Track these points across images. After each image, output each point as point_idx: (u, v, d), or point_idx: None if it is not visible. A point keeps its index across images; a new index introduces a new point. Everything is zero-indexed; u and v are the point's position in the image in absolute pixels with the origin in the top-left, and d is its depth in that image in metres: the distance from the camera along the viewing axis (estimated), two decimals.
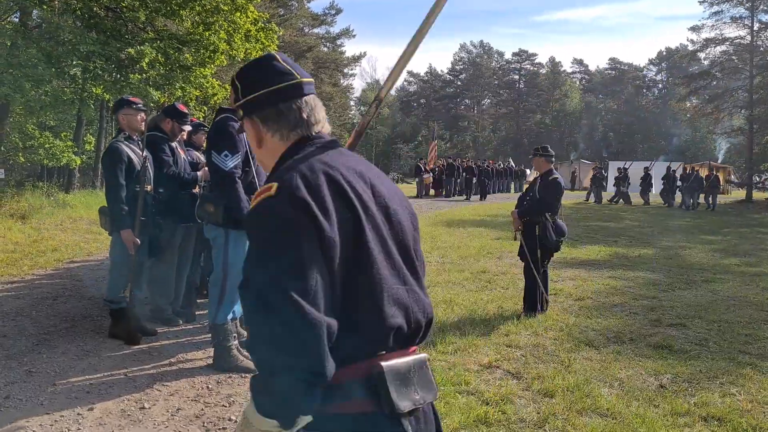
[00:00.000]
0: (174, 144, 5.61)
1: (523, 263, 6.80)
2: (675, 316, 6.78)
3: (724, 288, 8.42)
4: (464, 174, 27.31)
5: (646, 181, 25.70)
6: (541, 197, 6.66)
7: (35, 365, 4.39)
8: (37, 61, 12.54)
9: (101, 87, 13.08)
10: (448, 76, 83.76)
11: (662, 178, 25.41)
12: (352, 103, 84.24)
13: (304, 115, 1.68)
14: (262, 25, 15.28)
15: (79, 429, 3.45)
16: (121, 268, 5.00)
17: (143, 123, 5.12)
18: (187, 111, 5.76)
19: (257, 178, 4.41)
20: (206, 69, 15.08)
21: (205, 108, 17.08)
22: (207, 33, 13.85)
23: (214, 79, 15.92)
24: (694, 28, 32.98)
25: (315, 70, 47.61)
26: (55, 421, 3.53)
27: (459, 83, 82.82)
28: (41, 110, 12.80)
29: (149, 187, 5.08)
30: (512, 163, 40.64)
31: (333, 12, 52.37)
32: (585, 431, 3.82)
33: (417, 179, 27.17)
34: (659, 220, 19.43)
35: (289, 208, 1.43)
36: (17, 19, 14.41)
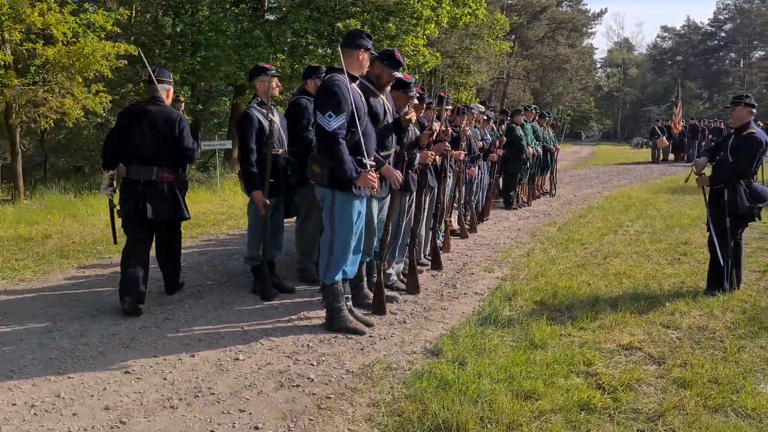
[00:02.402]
0: None
1: (708, 234, 5.84)
2: None
3: None
4: (710, 136, 24.25)
5: None
6: (734, 160, 5.60)
7: (174, 313, 4.85)
8: (260, 41, 13.76)
9: (316, 61, 13.94)
10: (709, 28, 74.77)
11: None
12: (598, 65, 79.65)
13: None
14: None
15: (171, 372, 3.73)
16: (256, 227, 5.30)
17: (277, 89, 5.31)
18: (321, 67, 5.82)
19: (364, 139, 4.32)
20: (419, 39, 15.27)
21: (417, 76, 17.33)
22: (412, 1, 13.97)
23: (426, 49, 16.04)
24: None
25: (551, 32, 45.77)
26: (157, 363, 3.86)
27: (723, 35, 73.50)
28: None
29: (282, 151, 5.27)
30: None
31: None
32: None
33: (650, 142, 24.75)
34: None
35: None
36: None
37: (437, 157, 6.28)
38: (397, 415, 3.27)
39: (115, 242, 5.36)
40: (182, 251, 5.46)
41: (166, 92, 5.04)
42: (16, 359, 3.87)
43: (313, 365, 3.91)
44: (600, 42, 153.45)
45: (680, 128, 25.06)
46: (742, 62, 72.96)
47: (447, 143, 6.20)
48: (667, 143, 24.62)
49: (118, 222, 5.04)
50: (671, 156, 25.53)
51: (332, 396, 3.48)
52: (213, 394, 3.46)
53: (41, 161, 15.20)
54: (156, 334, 4.37)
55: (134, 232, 4.87)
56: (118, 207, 4.96)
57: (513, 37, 41.13)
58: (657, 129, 25.10)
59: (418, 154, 5.31)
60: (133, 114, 4.90)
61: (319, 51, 14.08)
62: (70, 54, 9.72)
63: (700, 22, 75.99)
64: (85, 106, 10.37)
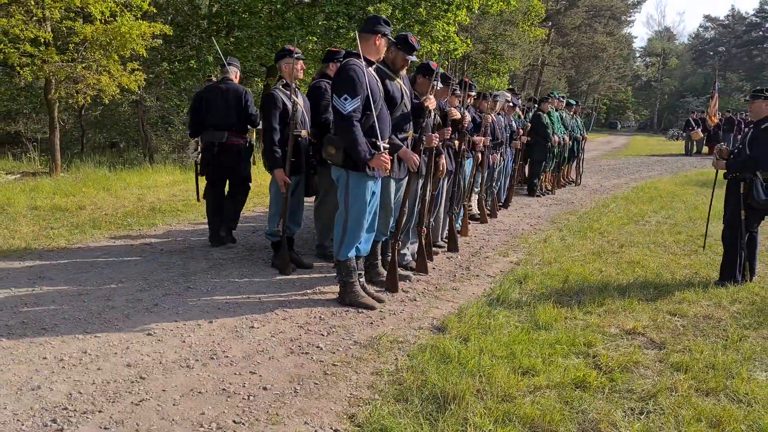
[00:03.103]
0: None
1: (722, 225, 5.90)
2: None
3: None
4: (746, 129, 23.76)
5: None
6: (752, 153, 5.66)
7: (196, 283, 5.11)
8: (293, 23, 13.95)
9: (345, 44, 14.10)
10: (754, 19, 72.78)
11: None
12: (637, 54, 78.27)
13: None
14: None
15: (190, 336, 3.98)
16: (276, 204, 5.51)
17: (302, 71, 5.50)
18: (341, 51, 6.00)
19: (379, 122, 4.49)
20: (449, 25, 15.31)
21: (446, 62, 17.37)
22: None
23: (456, 35, 16.08)
24: None
25: (588, 20, 45.14)
26: (177, 327, 4.11)
27: None
28: None
29: (304, 132, 5.47)
30: None
31: None
32: (693, 413, 3.29)
33: (684, 134, 24.39)
34: None
35: None
36: None
37: (457, 141, 6.43)
38: (398, 384, 3.46)
39: (198, 200, 6.92)
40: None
41: (235, 74, 6.35)
42: (48, 318, 4.16)
43: (323, 335, 4.12)
44: (640, 31, 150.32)
45: (716, 121, 24.61)
46: None
47: (448, 130, 6.27)
48: (702, 135, 24.25)
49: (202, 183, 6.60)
50: (705, 149, 25.15)
51: (338, 364, 3.68)
52: (227, 357, 3.70)
53: (78, 136, 15.68)
54: (178, 301, 4.63)
55: (214, 184, 6.34)
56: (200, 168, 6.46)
57: (549, 23, 40.67)
58: (692, 121, 24.73)
59: (424, 137, 5.41)
60: (209, 91, 6.18)
61: (351, 34, 14.20)
62: (107, 32, 10.04)
63: (745, 12, 74.14)
64: (121, 83, 10.70)
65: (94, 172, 10.72)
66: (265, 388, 3.32)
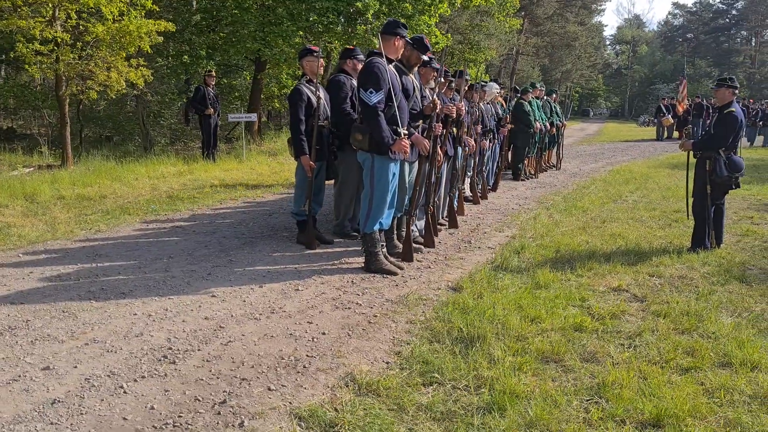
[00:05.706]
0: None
1: (692, 199, 6.70)
2: None
3: None
4: (713, 114, 24.86)
5: None
6: (715, 132, 6.47)
7: (236, 257, 5.78)
8: (283, 19, 14.51)
9: (334, 38, 14.71)
10: (720, 6, 74.61)
11: None
12: (608, 42, 79.79)
13: None
14: None
15: (248, 297, 4.66)
16: (302, 187, 6.18)
17: (321, 68, 6.16)
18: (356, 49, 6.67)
19: (399, 112, 5.19)
20: (431, 19, 15.97)
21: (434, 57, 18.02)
22: None
23: (436, 28, 16.75)
24: None
25: (560, 10, 46.14)
26: (234, 290, 4.79)
27: (734, 13, 73.38)
28: (285, 62, 14.81)
29: (326, 122, 6.14)
30: None
31: None
32: (671, 345, 4.05)
33: (655, 120, 25.44)
34: None
35: None
36: None
37: (455, 129, 7.15)
38: (430, 329, 4.18)
39: None
40: (228, 210, 6.36)
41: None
42: (122, 286, 4.81)
43: (359, 295, 4.83)
44: (610, 19, 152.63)
45: (684, 107, 25.67)
46: (753, 41, 72.83)
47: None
48: (672, 121, 25.30)
49: None
50: (675, 133, 26.21)
51: (378, 315, 4.40)
52: (284, 311, 4.39)
53: (76, 130, 16.06)
54: (226, 271, 5.31)
55: None
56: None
57: (522, 14, 41.54)
58: (662, 107, 25.76)
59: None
60: None
61: (339, 29, 14.81)
62: (116, 31, 10.56)
63: (712, 0, 75.87)
64: (128, 79, 11.23)
65: (103, 165, 11.23)
66: (323, 333, 4.03)
